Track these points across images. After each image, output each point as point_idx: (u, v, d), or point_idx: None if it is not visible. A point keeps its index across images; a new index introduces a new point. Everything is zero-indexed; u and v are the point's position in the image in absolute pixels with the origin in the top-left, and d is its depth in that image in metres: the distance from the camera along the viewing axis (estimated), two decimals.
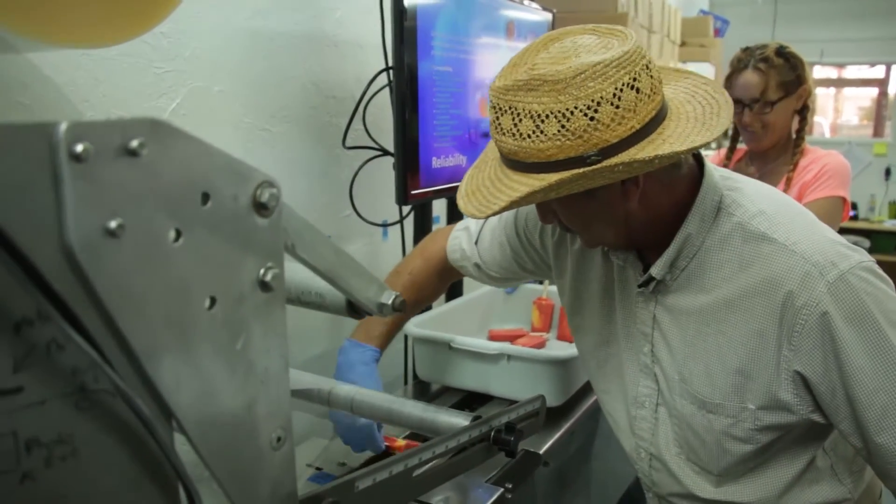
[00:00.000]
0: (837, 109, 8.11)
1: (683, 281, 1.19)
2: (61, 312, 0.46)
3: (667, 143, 1.02)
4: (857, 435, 1.10)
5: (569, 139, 0.98)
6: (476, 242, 1.56)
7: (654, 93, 1.03)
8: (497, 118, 1.05)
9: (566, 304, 1.45)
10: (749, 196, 1.18)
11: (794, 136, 2.33)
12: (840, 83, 8.07)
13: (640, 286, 1.23)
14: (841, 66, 7.84)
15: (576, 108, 0.97)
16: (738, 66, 2.30)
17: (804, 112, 2.30)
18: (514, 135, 1.02)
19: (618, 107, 0.98)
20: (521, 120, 1.01)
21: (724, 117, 1.07)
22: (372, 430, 1.44)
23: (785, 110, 2.26)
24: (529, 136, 1.00)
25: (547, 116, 0.98)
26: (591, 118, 0.97)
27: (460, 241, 1.59)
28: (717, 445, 1.20)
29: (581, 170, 0.99)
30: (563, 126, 0.98)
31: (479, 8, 2.10)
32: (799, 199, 2.17)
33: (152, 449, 0.53)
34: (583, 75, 0.97)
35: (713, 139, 1.04)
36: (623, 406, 1.36)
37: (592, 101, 0.97)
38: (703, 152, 1.22)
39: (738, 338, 1.14)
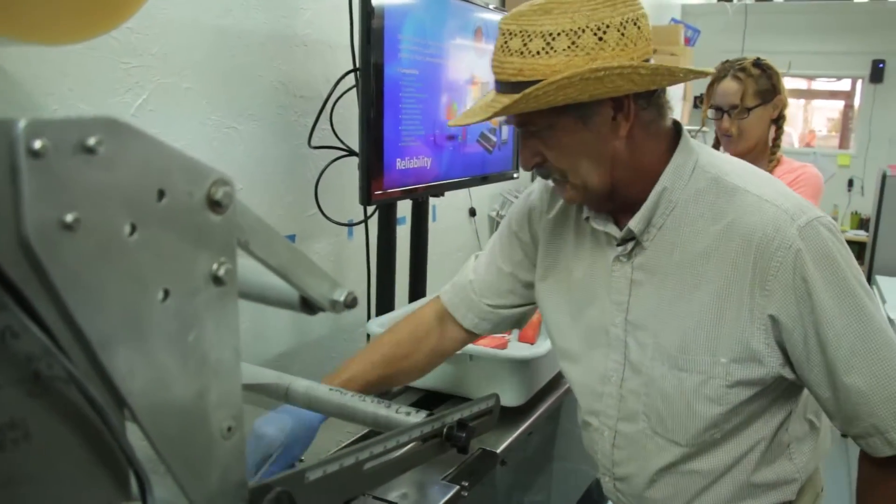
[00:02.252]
0: (807, 120, 8.24)
1: (659, 240, 1.23)
2: (17, 302, 0.48)
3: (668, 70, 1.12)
4: (826, 382, 1.15)
5: (577, 54, 1.08)
6: (470, 282, 1.53)
7: (648, 40, 1.14)
8: (505, 42, 1.13)
9: (537, 279, 1.46)
10: (725, 159, 1.27)
11: (770, 145, 2.44)
12: (809, 94, 8.20)
13: (618, 244, 1.27)
14: (811, 78, 7.97)
15: (587, 27, 1.08)
16: (718, 75, 2.43)
17: (780, 122, 2.42)
18: (522, 54, 1.10)
19: (623, 34, 1.09)
20: (531, 40, 1.10)
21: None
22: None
23: (761, 118, 2.39)
24: (538, 53, 1.09)
25: (559, 34, 1.08)
26: (600, 38, 1.08)
27: (449, 285, 1.58)
28: (686, 409, 1.23)
29: (584, 69, 1.06)
30: (573, 42, 1.08)
31: (447, 12, 2.13)
32: None
33: (104, 436, 0.55)
34: (594, 2, 1.09)
35: (701, 73, 1.19)
36: (589, 381, 1.37)
37: (602, 23, 1.08)
38: None
39: (713, 287, 1.18)
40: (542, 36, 1.09)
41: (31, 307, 0.49)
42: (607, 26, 1.08)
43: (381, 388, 1.54)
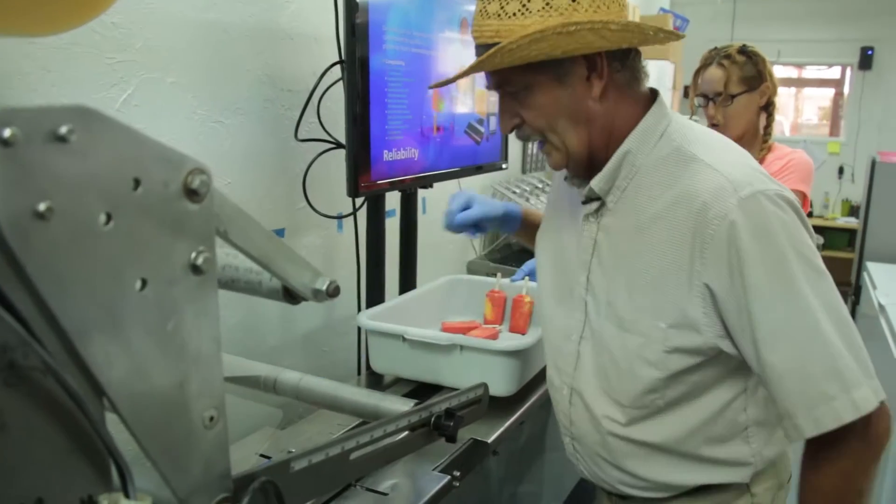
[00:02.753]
0: (798, 108, 8.26)
1: (622, 203, 1.26)
2: None
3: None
4: (754, 358, 1.14)
5: (551, 14, 1.12)
6: None
7: (623, 5, 1.18)
8: (484, 7, 1.17)
9: (537, 236, 1.54)
10: (696, 130, 1.28)
11: (761, 132, 2.43)
12: (800, 83, 8.21)
13: (584, 202, 1.31)
14: (801, 66, 7.98)
15: None
16: (703, 63, 2.44)
17: (769, 109, 2.41)
18: (499, 16, 1.15)
19: None
20: (507, 3, 1.14)
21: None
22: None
23: (747, 105, 2.37)
24: (515, 15, 1.14)
25: None
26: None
27: None
28: (629, 370, 1.26)
29: (569, 26, 1.10)
30: (547, 3, 1.12)
31: (432, 3, 2.12)
32: None
33: (83, 425, 0.55)
34: None
35: (672, 34, 1.21)
36: (553, 338, 1.42)
37: None
38: None
39: (658, 251, 1.20)
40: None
41: (5, 296, 0.49)
42: None
43: None
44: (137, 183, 0.56)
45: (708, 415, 1.26)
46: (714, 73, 2.37)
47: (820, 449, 1.15)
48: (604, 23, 1.11)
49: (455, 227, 1.65)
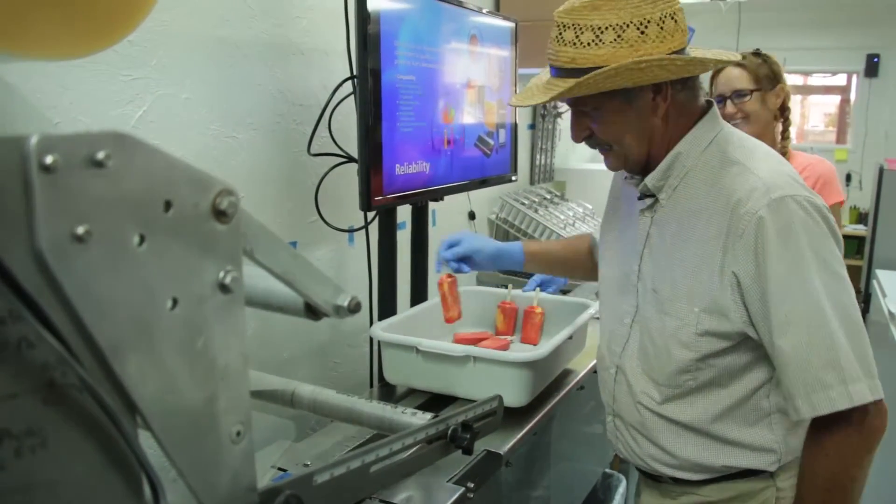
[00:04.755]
0: (804, 115, 8.25)
1: (673, 200, 1.40)
2: (32, 312, 0.49)
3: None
4: (769, 342, 1.28)
5: (622, 47, 1.26)
6: None
7: (684, 31, 1.31)
8: (560, 34, 1.30)
9: (599, 232, 1.69)
10: (743, 139, 1.42)
11: (779, 138, 2.47)
12: (805, 90, 8.21)
13: (639, 198, 1.46)
14: (807, 73, 7.98)
15: (631, 22, 1.25)
16: (718, 68, 2.46)
17: (785, 114, 2.45)
18: (575, 45, 1.28)
19: (662, 28, 1.26)
20: (582, 32, 1.27)
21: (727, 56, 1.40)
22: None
23: (764, 104, 2.42)
24: (589, 45, 1.27)
25: (606, 28, 1.26)
26: (642, 32, 1.25)
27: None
28: (665, 350, 1.40)
29: (628, 61, 1.24)
30: (618, 36, 1.25)
31: (442, 18, 2.14)
32: None
33: (117, 441, 0.57)
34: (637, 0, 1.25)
35: (728, 59, 1.40)
36: (609, 322, 1.57)
37: (644, 19, 1.26)
38: None
39: (698, 242, 1.34)
40: (592, 29, 1.26)
41: (46, 317, 0.50)
42: (648, 21, 1.25)
43: (562, 268, 2.01)
44: (169, 205, 0.57)
45: (735, 400, 1.38)
46: (730, 72, 2.42)
47: (819, 435, 1.28)
48: (671, 59, 1.25)
49: (445, 261, 1.86)
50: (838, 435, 1.26)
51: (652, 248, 1.44)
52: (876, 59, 7.34)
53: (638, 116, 1.36)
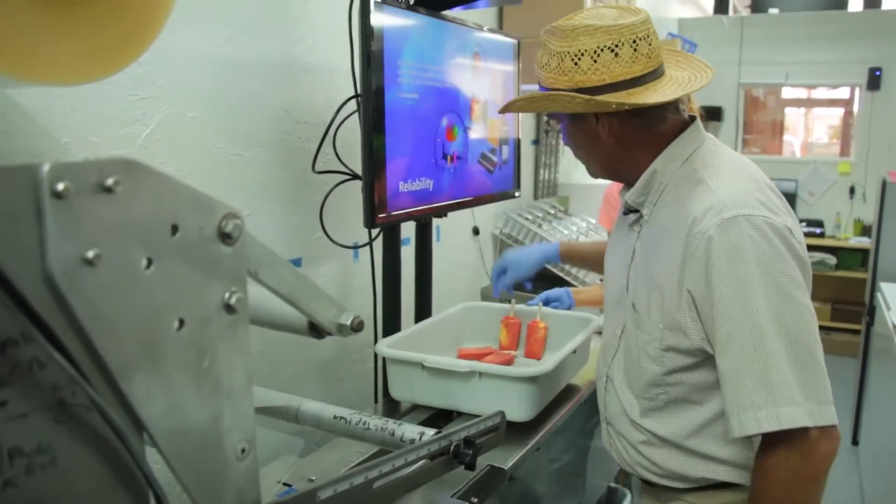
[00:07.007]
0: (808, 128, 8.25)
1: (653, 216, 1.44)
2: (43, 333, 0.51)
3: (621, 98, 1.31)
4: (716, 359, 1.30)
5: (560, 74, 1.34)
6: None
7: (635, 62, 1.32)
8: (539, 52, 1.40)
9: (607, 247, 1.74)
10: (720, 155, 1.42)
11: None
12: (809, 103, 8.22)
13: (624, 213, 1.53)
14: (810, 86, 8.00)
15: (567, 53, 1.32)
16: None
17: None
18: (540, 66, 1.38)
19: (595, 61, 1.31)
20: (543, 55, 1.37)
21: (699, 82, 1.40)
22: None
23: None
24: (544, 68, 1.37)
25: (553, 55, 1.35)
26: (576, 63, 1.32)
27: None
28: (637, 363, 1.44)
29: (551, 92, 1.34)
30: (558, 64, 1.34)
31: (445, 36, 2.16)
32: None
33: (125, 459, 0.58)
34: (576, 31, 1.32)
35: (663, 100, 1.33)
36: (606, 332, 1.63)
37: (578, 51, 1.31)
38: None
39: (664, 260, 1.36)
40: (549, 54, 1.36)
41: (57, 338, 0.52)
42: (582, 53, 1.31)
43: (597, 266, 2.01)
44: (175, 229, 0.59)
45: (710, 416, 1.40)
46: None
47: (763, 457, 1.29)
48: (572, 95, 1.31)
49: (499, 294, 2.15)
50: (776, 458, 1.26)
51: (636, 263, 1.47)
52: (878, 73, 7.35)
53: (586, 137, 1.44)
